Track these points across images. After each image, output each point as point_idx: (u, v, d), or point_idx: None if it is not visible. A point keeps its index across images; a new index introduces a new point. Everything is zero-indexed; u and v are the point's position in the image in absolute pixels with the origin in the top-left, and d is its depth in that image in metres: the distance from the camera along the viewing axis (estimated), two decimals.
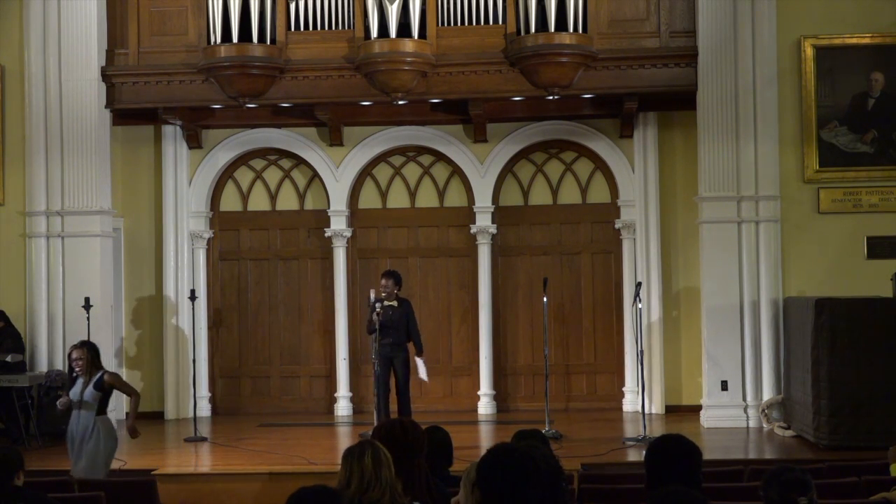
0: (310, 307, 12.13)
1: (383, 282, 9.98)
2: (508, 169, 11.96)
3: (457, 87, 10.68)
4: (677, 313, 11.47)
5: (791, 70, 10.55)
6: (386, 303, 9.84)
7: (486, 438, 10.26)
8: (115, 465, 8.78)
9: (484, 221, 11.81)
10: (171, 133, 11.88)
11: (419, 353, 10.08)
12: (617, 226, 11.72)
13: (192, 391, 11.25)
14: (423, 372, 10.07)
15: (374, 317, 9.75)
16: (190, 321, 11.28)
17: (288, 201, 12.27)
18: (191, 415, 11.07)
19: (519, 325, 11.95)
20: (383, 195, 12.18)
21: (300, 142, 11.99)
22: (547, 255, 11.96)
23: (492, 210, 11.83)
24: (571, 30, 10.22)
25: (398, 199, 12.17)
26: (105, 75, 10.85)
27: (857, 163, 10.54)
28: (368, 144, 11.92)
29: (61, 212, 10.72)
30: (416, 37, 10.34)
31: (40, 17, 10.75)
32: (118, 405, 11.48)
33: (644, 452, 4.13)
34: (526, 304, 11.92)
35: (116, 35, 10.96)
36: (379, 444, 4.15)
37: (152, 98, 10.92)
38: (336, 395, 11.85)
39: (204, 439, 10.17)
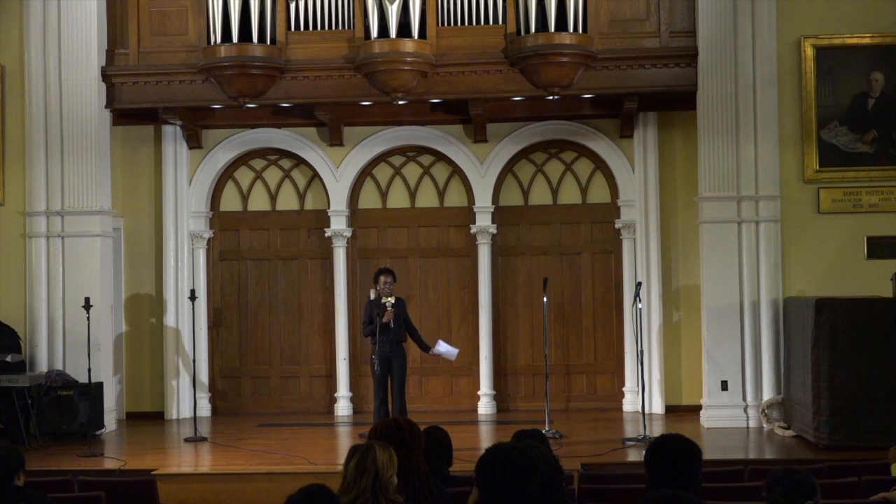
0: (310, 307, 12.13)
1: (382, 279, 9.94)
2: (508, 169, 11.96)
3: (457, 87, 10.68)
4: (682, 315, 11.46)
5: (791, 70, 10.55)
6: (385, 300, 9.83)
7: (486, 438, 10.25)
8: (115, 464, 8.82)
9: (484, 221, 11.81)
10: (171, 133, 11.88)
11: (429, 348, 10.11)
12: (617, 226, 11.72)
13: (192, 391, 11.25)
14: (448, 350, 10.10)
15: (386, 316, 9.71)
16: (190, 321, 11.28)
17: (288, 201, 12.27)
18: (191, 415, 11.06)
19: (519, 325, 11.95)
20: (383, 195, 12.18)
21: (300, 142, 11.99)
22: (547, 255, 11.96)
23: (492, 210, 11.83)
24: (571, 30, 10.22)
25: (398, 199, 12.17)
26: (105, 75, 10.85)
27: (857, 163, 10.54)
28: (368, 144, 11.92)
29: (61, 212, 10.72)
30: (416, 37, 10.34)
31: (40, 17, 10.75)
32: (119, 404, 11.50)
33: (644, 452, 4.13)
34: (526, 304, 11.92)
35: (116, 35, 10.96)
36: (377, 447, 4.17)
37: (152, 98, 10.92)
38: (336, 395, 11.85)
39: (204, 439, 10.16)
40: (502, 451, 3.42)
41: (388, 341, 9.74)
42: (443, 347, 10.09)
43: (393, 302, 9.83)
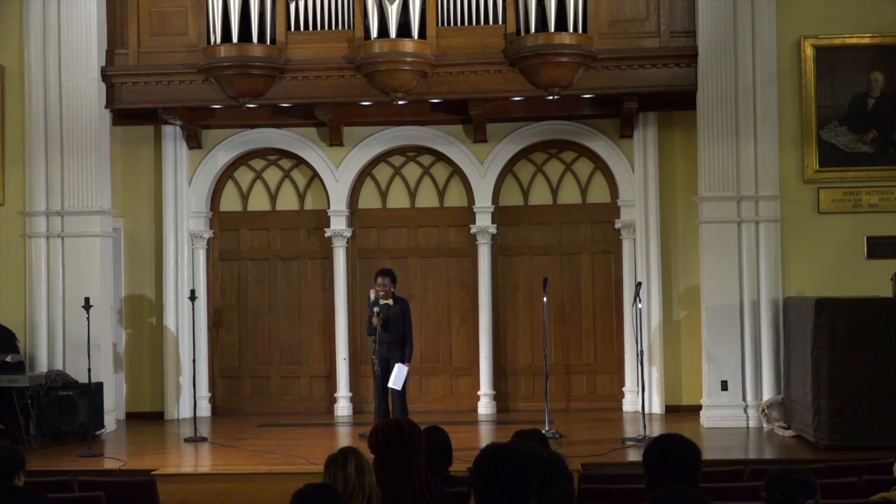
0: (310, 307, 12.13)
1: (379, 280, 9.94)
2: (508, 169, 11.96)
3: (457, 87, 10.68)
4: (682, 315, 11.46)
5: (791, 70, 10.55)
6: (382, 302, 9.84)
7: (485, 438, 10.24)
8: (115, 465, 8.82)
9: (484, 221, 11.81)
10: (171, 133, 11.88)
11: (404, 359, 9.77)
12: (617, 226, 11.72)
13: (192, 391, 11.25)
14: (395, 380, 9.60)
15: (374, 319, 9.74)
16: (190, 321, 11.27)
17: (288, 201, 12.27)
18: (191, 415, 11.07)
19: (519, 325, 11.94)
20: (383, 195, 12.18)
21: (300, 142, 11.99)
22: (547, 255, 11.96)
23: (492, 210, 11.83)
24: (571, 30, 10.22)
25: (398, 199, 12.16)
26: (105, 75, 10.85)
27: (857, 163, 10.54)
28: (368, 144, 11.92)
29: (61, 212, 10.72)
30: (416, 37, 10.34)
31: (40, 17, 10.75)
32: (119, 404, 11.50)
33: (643, 452, 4.13)
34: (526, 304, 11.91)
35: (116, 35, 10.96)
36: (360, 451, 4.19)
37: (152, 98, 10.92)
38: (336, 395, 11.85)
39: (204, 439, 10.16)
40: (498, 451, 3.42)
41: (385, 342, 9.78)
42: (396, 372, 9.66)
43: (389, 304, 9.84)
